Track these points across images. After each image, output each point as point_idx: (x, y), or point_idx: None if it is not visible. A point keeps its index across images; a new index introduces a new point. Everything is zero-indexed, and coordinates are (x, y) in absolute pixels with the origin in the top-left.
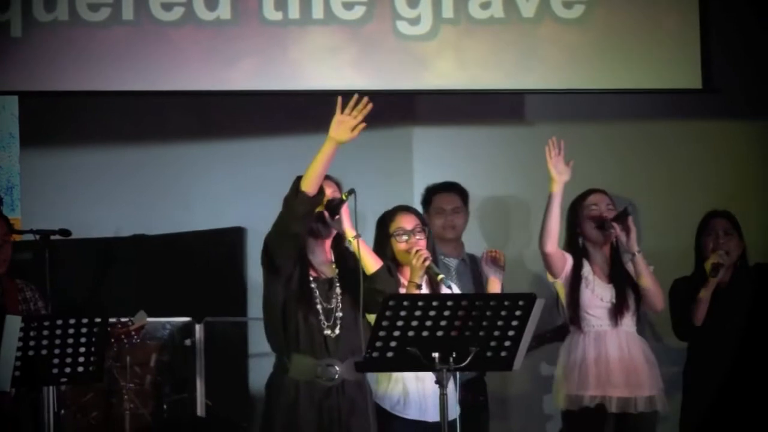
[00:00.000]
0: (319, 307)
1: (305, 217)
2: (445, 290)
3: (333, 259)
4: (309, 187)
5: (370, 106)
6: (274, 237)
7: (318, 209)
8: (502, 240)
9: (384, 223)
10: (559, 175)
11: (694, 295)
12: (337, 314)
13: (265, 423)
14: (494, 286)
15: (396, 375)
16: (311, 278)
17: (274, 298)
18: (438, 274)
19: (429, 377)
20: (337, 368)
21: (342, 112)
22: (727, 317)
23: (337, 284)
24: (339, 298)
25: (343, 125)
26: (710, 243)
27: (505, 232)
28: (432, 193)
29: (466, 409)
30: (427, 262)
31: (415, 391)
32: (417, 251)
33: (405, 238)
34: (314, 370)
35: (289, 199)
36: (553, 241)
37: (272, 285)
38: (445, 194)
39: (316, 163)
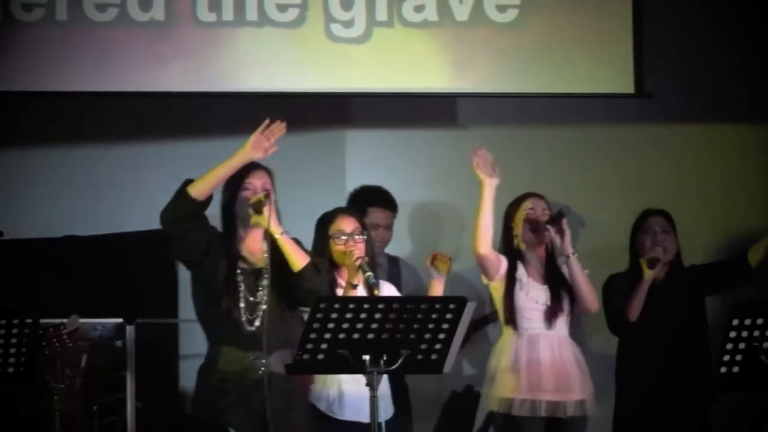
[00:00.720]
0: (242, 299)
1: (189, 219)
2: (384, 290)
3: (266, 249)
4: (200, 192)
5: (284, 129)
6: (169, 234)
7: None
8: (434, 243)
9: (323, 224)
10: (489, 179)
11: (628, 291)
12: (261, 307)
13: (193, 411)
14: (435, 288)
15: (332, 375)
16: (239, 270)
17: (199, 290)
18: (366, 272)
19: (365, 379)
20: (263, 361)
21: (261, 132)
22: (661, 315)
23: (266, 276)
24: (265, 290)
25: (260, 144)
26: (647, 240)
27: (436, 235)
28: (367, 203)
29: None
30: (358, 262)
31: (350, 392)
32: (350, 252)
33: (344, 239)
34: (241, 362)
35: (176, 199)
36: (487, 243)
37: (195, 277)
38: (381, 210)
39: (218, 170)
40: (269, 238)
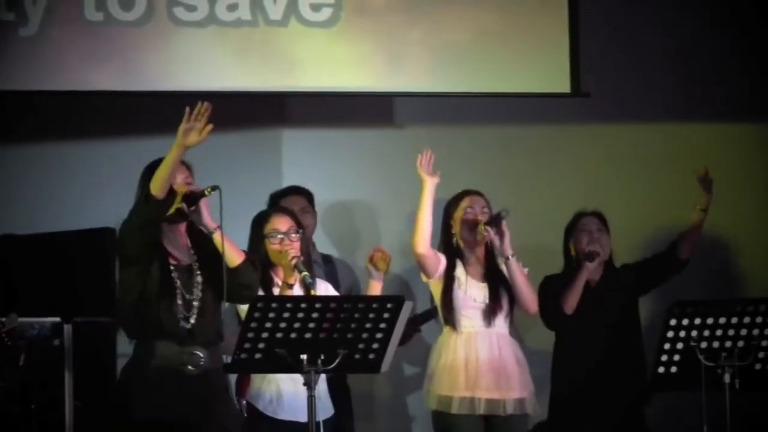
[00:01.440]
0: (179, 296)
1: (158, 220)
2: (320, 289)
3: (190, 244)
4: (158, 190)
5: (210, 108)
6: (130, 235)
7: (176, 204)
8: (371, 242)
9: (259, 224)
10: (430, 178)
11: (564, 288)
12: (195, 303)
13: (126, 409)
14: (374, 287)
15: (270, 375)
16: (171, 266)
17: (132, 286)
18: (302, 272)
19: (303, 378)
20: (201, 354)
21: (188, 120)
22: (596, 315)
23: (198, 272)
24: (200, 286)
25: (192, 131)
26: (583, 238)
27: (373, 234)
28: (277, 198)
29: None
30: (294, 261)
31: (288, 391)
32: (285, 251)
33: (279, 237)
34: (179, 357)
35: (141, 204)
36: (426, 242)
37: (128, 274)
38: (291, 197)
39: (164, 167)
40: (192, 232)
